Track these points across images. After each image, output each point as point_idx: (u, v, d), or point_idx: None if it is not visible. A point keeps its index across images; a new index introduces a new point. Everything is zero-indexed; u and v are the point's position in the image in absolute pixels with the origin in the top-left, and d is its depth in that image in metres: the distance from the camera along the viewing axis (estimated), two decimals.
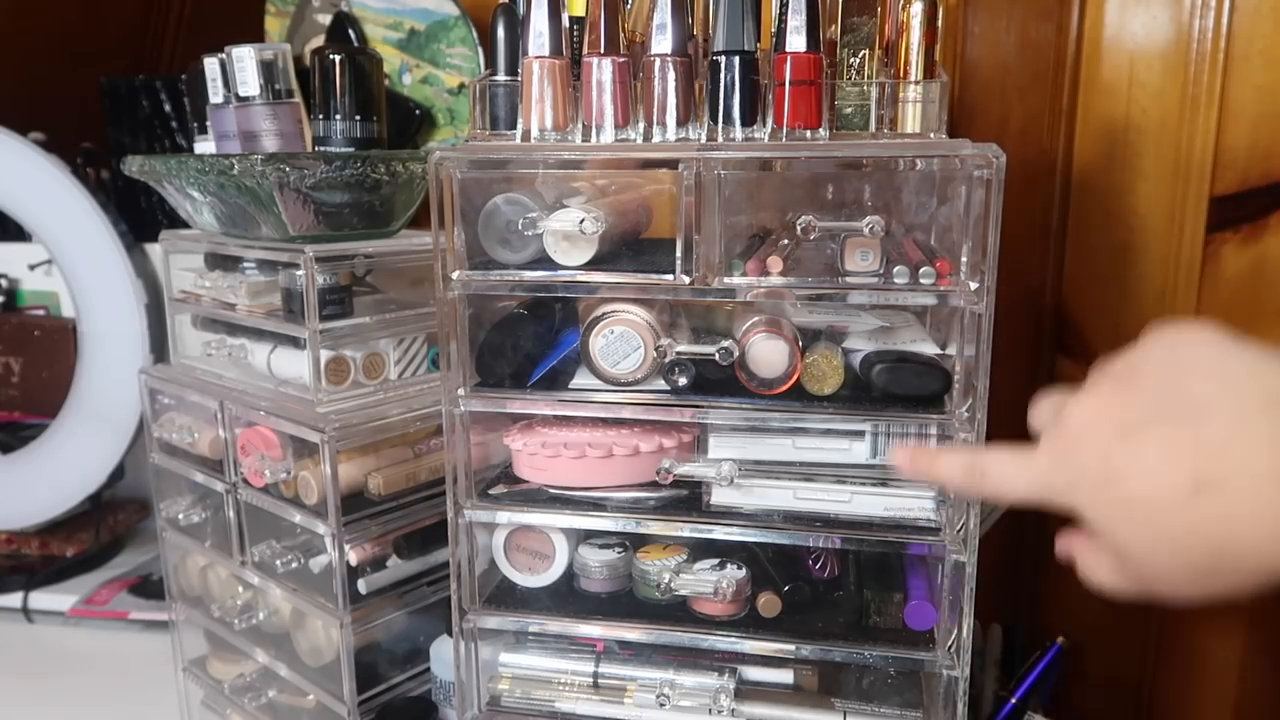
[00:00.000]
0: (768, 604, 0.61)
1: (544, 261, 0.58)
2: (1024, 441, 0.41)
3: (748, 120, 0.55)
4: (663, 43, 0.55)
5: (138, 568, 1.16)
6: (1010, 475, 0.41)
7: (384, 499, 0.72)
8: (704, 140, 0.56)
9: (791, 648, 0.59)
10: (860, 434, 0.57)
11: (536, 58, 0.57)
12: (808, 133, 0.55)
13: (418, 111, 0.99)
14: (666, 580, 0.60)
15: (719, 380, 0.58)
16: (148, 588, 1.10)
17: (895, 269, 0.53)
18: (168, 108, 1.18)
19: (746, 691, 0.62)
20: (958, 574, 0.55)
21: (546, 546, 0.64)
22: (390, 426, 0.73)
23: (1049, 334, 0.89)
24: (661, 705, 0.61)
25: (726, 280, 0.55)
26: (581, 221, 0.55)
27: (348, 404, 0.73)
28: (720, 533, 0.59)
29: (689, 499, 0.60)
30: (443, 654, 0.75)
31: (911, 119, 0.56)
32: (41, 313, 1.18)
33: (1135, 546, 0.37)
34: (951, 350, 0.56)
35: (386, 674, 0.76)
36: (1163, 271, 0.82)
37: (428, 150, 0.64)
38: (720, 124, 0.55)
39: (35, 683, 0.96)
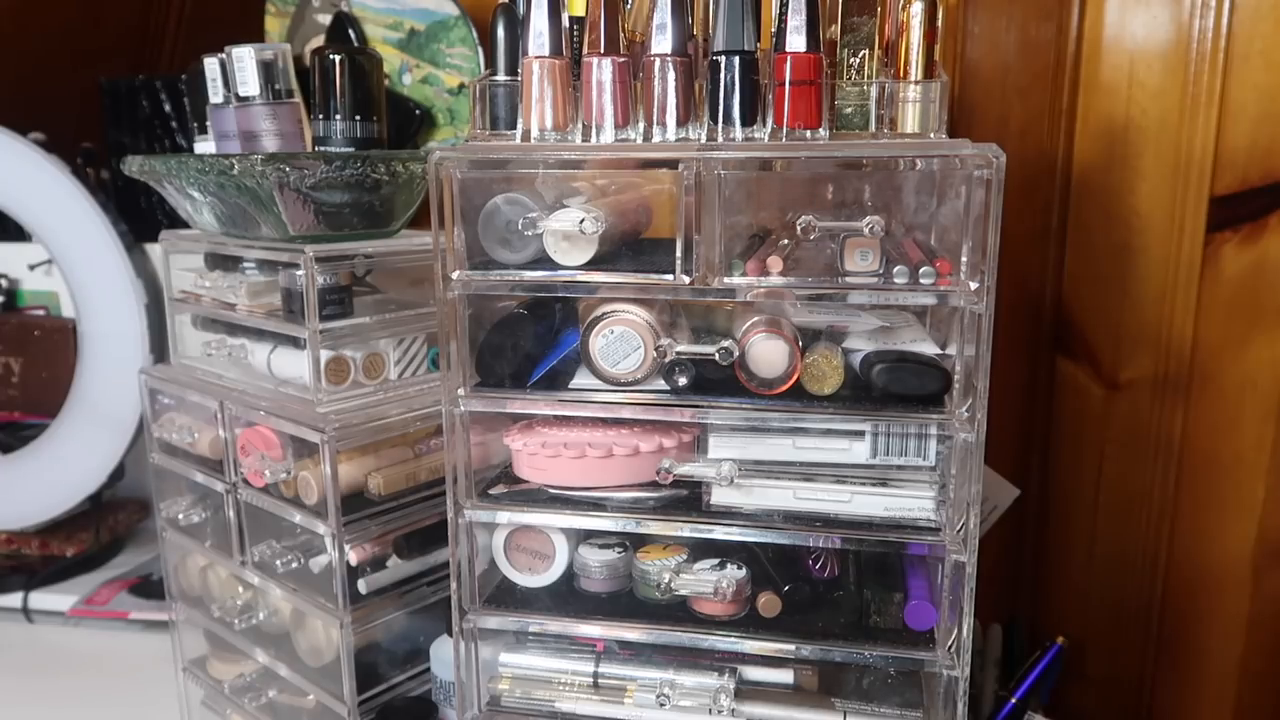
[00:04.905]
0: (768, 604, 0.61)
1: (544, 261, 0.58)
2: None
3: (748, 120, 0.55)
4: (663, 43, 0.55)
5: (138, 568, 1.16)
6: None
7: (384, 499, 0.72)
8: (704, 140, 0.56)
9: (791, 648, 0.59)
10: (860, 434, 0.57)
11: (536, 58, 0.57)
12: (808, 133, 0.55)
13: (418, 111, 0.99)
14: (666, 580, 0.60)
15: (719, 380, 0.58)
16: (148, 588, 1.10)
17: (895, 269, 0.53)
18: (168, 108, 1.18)
19: (746, 691, 0.62)
20: (958, 574, 0.55)
21: (546, 546, 0.64)
22: (390, 426, 0.73)
23: (1049, 334, 0.89)
24: (661, 705, 0.61)
25: (726, 280, 0.55)
26: (581, 221, 0.55)
27: (348, 404, 0.73)
28: (720, 533, 0.59)
29: (689, 499, 0.60)
30: (443, 654, 0.75)
31: (911, 119, 0.56)
32: (41, 313, 1.18)
33: None
34: (951, 350, 0.56)
35: (386, 674, 0.76)
36: (1163, 271, 0.83)
37: (428, 150, 0.63)
38: (720, 124, 0.55)
39: (35, 683, 0.96)
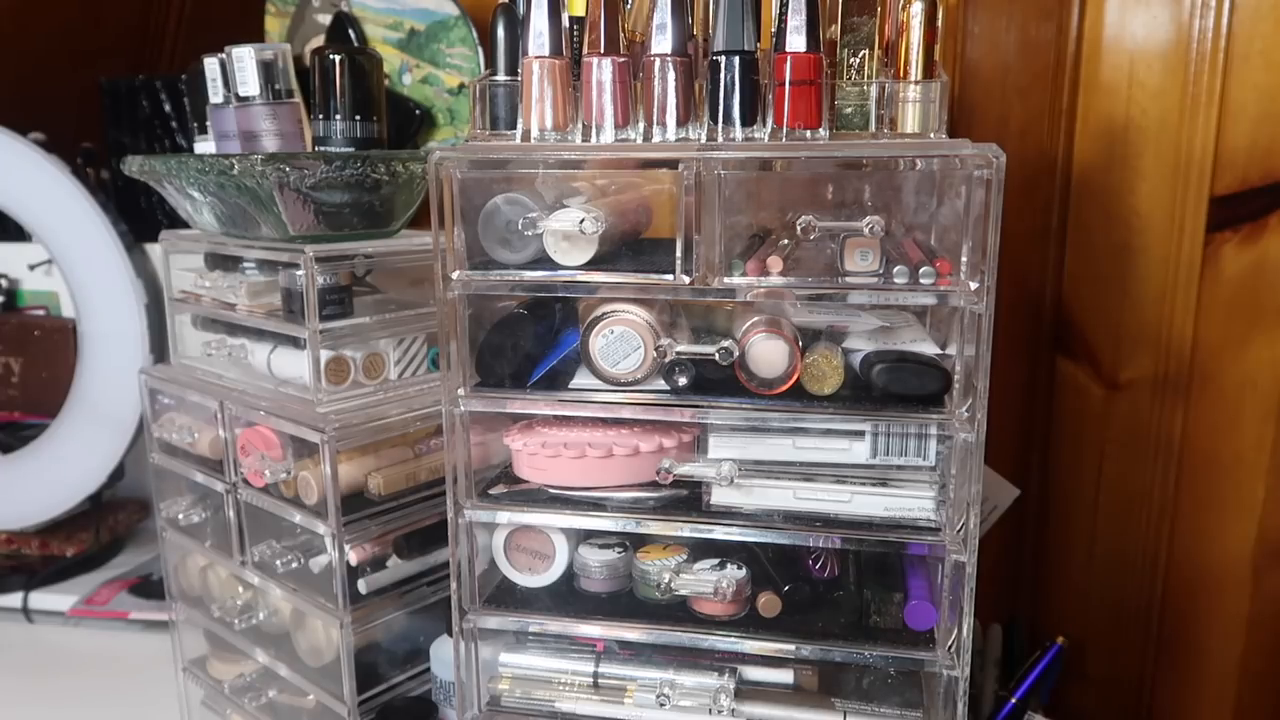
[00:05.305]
0: (768, 604, 0.61)
1: (544, 261, 0.58)
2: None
3: (748, 120, 0.55)
4: (663, 43, 0.55)
5: (138, 568, 1.16)
6: None
7: (384, 499, 0.72)
8: (704, 140, 0.56)
9: (791, 648, 0.59)
10: (860, 434, 0.57)
11: (536, 58, 0.57)
12: (808, 133, 0.55)
13: (418, 111, 0.99)
14: (666, 580, 0.60)
15: (719, 380, 0.58)
16: (148, 588, 1.10)
17: (895, 269, 0.53)
18: (168, 108, 1.18)
19: (746, 691, 0.62)
20: (958, 574, 0.55)
21: (546, 546, 0.64)
22: (390, 426, 0.73)
23: (1049, 334, 0.89)
24: (661, 705, 0.61)
25: (726, 280, 0.55)
26: (581, 221, 0.55)
27: (348, 404, 0.73)
28: (720, 533, 0.59)
29: (689, 499, 0.60)
30: (443, 654, 0.75)
31: (911, 119, 0.56)
32: (41, 313, 1.18)
33: None
34: (951, 350, 0.56)
35: (386, 674, 0.76)
36: (1163, 271, 0.83)
37: (428, 150, 0.63)
38: (720, 124, 0.55)
39: (35, 683, 0.96)
